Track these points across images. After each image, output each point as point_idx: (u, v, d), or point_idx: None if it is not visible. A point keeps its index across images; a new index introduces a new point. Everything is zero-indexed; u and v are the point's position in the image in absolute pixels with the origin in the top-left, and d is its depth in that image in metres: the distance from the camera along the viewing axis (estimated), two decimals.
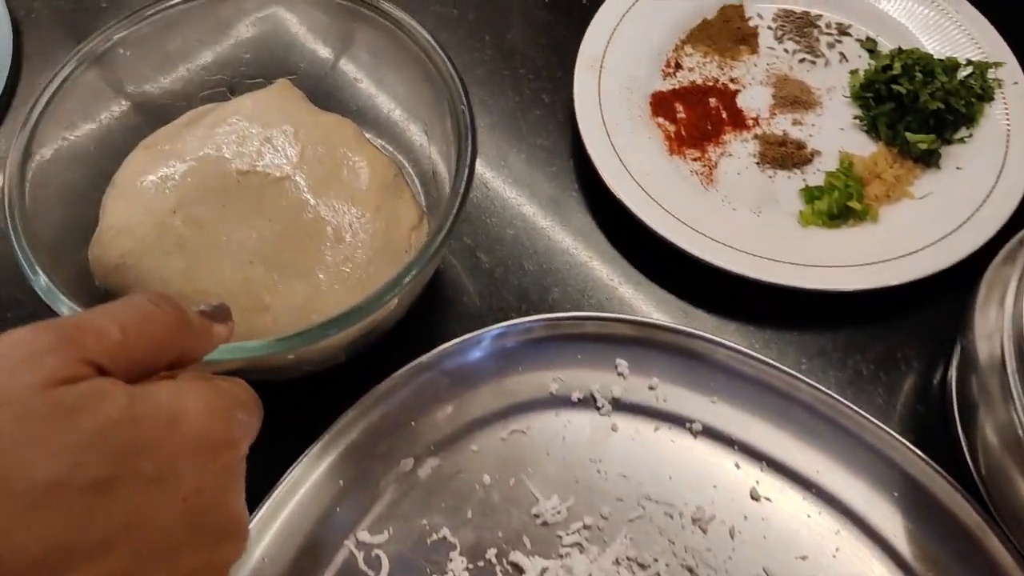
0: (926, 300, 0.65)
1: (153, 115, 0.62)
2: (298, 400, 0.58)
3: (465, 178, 0.52)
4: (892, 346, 0.63)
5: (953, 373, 0.59)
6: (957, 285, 0.61)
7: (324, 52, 0.66)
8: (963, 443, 0.56)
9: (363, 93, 0.67)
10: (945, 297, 0.64)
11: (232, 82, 0.65)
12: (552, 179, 0.71)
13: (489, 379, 0.59)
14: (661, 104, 0.73)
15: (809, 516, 0.55)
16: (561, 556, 0.54)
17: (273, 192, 0.56)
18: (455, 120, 0.55)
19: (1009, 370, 0.49)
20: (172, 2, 0.59)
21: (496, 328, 0.59)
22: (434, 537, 0.54)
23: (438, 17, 0.81)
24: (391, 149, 0.66)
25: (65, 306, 0.48)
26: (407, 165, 0.65)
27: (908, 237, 0.64)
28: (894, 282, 0.61)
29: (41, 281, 0.48)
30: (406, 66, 0.60)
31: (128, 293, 0.54)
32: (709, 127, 0.72)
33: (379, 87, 0.67)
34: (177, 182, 0.55)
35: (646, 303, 0.65)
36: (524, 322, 0.59)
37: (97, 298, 0.54)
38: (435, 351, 0.58)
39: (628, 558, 0.54)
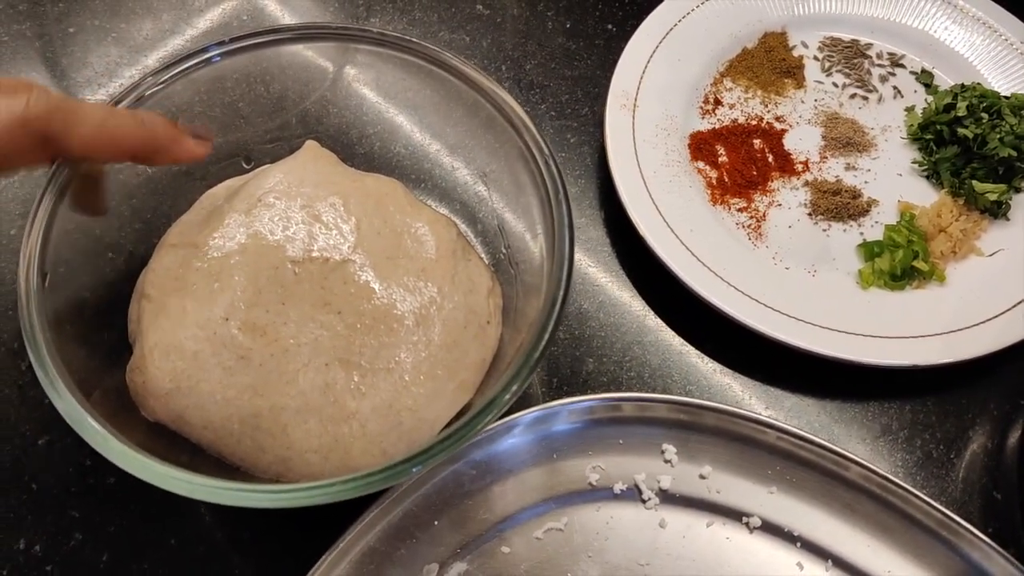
0: (995, 363, 0.59)
1: (166, 197, 0.55)
2: None
3: (567, 263, 0.46)
4: (963, 422, 0.58)
5: None
6: None
7: (346, 102, 0.60)
8: None
9: (400, 144, 0.61)
10: (1015, 359, 0.59)
11: (249, 148, 0.58)
12: (580, 232, 0.65)
13: (520, 470, 0.53)
14: (700, 146, 0.66)
15: None
16: None
17: (336, 279, 0.49)
18: (535, 177, 0.49)
19: None
20: (178, 68, 0.52)
21: (527, 413, 0.52)
22: None
23: (448, 45, 0.74)
24: (432, 204, 0.60)
25: (99, 434, 0.41)
26: (459, 221, 0.59)
27: (980, 301, 0.59)
28: (967, 356, 0.56)
29: (67, 404, 0.41)
30: (454, 111, 0.55)
31: (186, 423, 0.47)
32: (755, 172, 0.65)
33: (420, 137, 0.60)
34: (223, 283, 0.48)
35: (692, 375, 0.59)
36: (558, 405, 0.53)
37: (144, 432, 0.47)
38: None
39: None
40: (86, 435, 0.41)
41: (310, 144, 0.54)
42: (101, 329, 0.50)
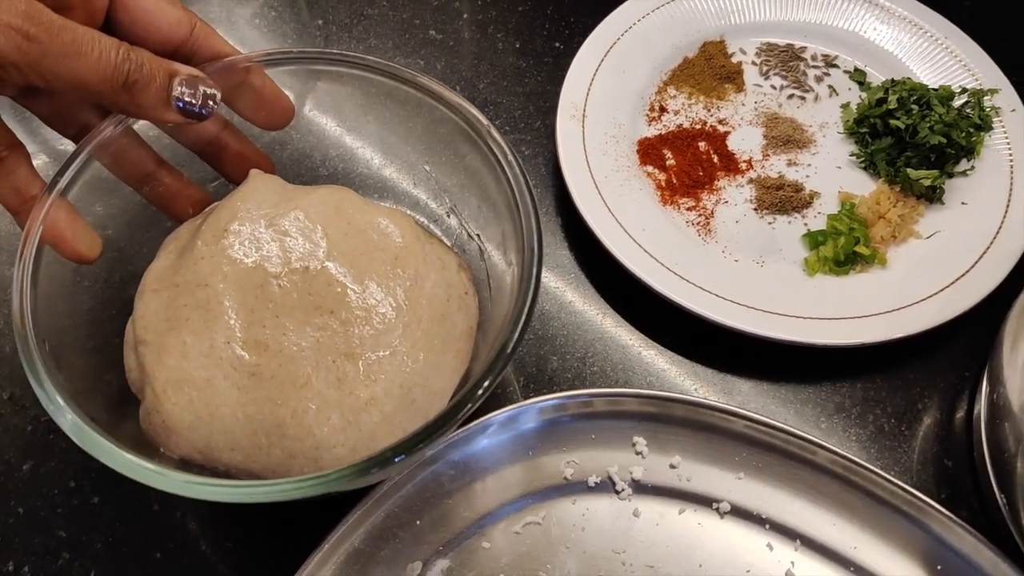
0: (939, 340, 0.62)
1: (139, 226, 0.56)
2: (293, 505, 0.53)
3: (536, 244, 0.49)
4: (911, 396, 0.61)
5: (982, 427, 0.56)
6: (970, 321, 0.60)
7: (308, 127, 0.62)
8: (1000, 501, 0.53)
9: (361, 165, 0.64)
10: (958, 335, 0.62)
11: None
12: None
13: (498, 468, 0.55)
14: (649, 151, 0.69)
15: None
16: None
17: (321, 283, 0.50)
18: (501, 181, 0.52)
19: None
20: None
21: (501, 412, 0.54)
22: None
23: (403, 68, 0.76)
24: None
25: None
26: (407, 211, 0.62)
27: (920, 281, 0.61)
28: (911, 331, 0.59)
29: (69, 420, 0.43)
30: (415, 128, 0.57)
31: (213, 449, 0.48)
32: (701, 173, 0.68)
33: (382, 156, 0.63)
34: (214, 311, 0.49)
35: (652, 366, 0.62)
36: (530, 404, 0.55)
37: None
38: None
39: None
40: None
41: (254, 172, 0.56)
42: (96, 373, 0.51)
